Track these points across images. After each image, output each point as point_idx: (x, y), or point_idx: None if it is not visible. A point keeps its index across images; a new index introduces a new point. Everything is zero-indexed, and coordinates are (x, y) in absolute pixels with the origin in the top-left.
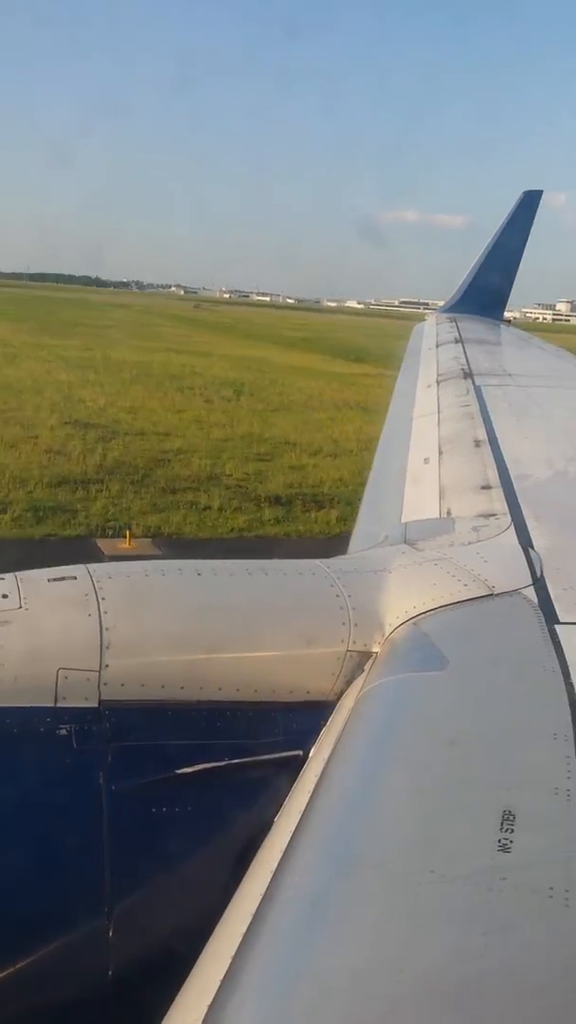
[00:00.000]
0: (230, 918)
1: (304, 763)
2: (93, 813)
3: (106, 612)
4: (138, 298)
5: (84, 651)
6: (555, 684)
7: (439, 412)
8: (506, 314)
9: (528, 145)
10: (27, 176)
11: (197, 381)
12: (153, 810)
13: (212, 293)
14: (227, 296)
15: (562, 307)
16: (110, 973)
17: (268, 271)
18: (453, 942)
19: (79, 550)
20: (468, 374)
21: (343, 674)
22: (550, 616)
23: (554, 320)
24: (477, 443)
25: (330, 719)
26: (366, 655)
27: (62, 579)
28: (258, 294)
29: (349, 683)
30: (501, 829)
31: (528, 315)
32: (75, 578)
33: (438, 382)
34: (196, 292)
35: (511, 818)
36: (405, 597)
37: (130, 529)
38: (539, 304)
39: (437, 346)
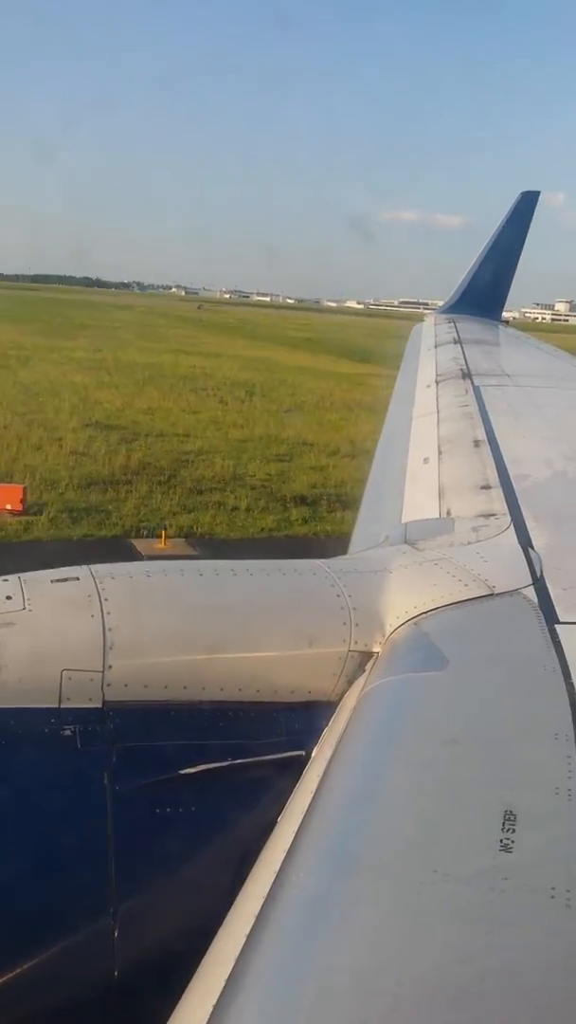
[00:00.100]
0: (234, 918)
1: (306, 763)
2: (97, 814)
3: (109, 613)
4: (140, 299)
5: (87, 652)
6: (555, 684)
7: (438, 412)
8: (505, 314)
9: (527, 145)
10: (26, 178)
11: (209, 382)
12: (157, 811)
13: (212, 294)
14: (228, 297)
15: (560, 307)
16: (115, 974)
17: (268, 272)
18: (455, 942)
19: (117, 550)
20: (467, 374)
21: (344, 674)
22: (550, 616)
23: (553, 320)
24: (476, 443)
25: (332, 719)
26: (367, 655)
27: (65, 580)
28: (258, 295)
29: (350, 683)
30: (503, 829)
31: (527, 315)
32: (78, 579)
33: (437, 382)
34: (196, 293)
35: (512, 818)
36: (406, 597)
37: (165, 529)
38: (538, 304)
39: (436, 347)
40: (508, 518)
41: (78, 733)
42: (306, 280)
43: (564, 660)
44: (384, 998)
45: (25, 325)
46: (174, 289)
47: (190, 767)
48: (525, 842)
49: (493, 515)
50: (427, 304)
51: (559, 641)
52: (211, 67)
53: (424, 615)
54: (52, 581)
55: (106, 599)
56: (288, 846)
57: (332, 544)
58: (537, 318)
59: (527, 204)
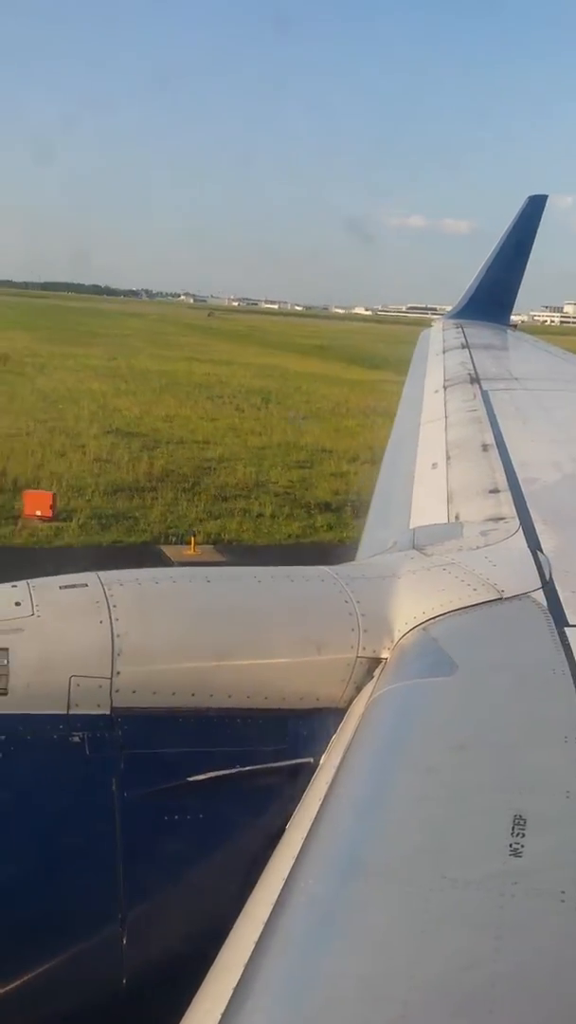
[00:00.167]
0: (242, 925)
1: (315, 770)
2: (106, 820)
3: (117, 619)
4: (149, 307)
5: (96, 658)
6: (565, 687)
7: (446, 417)
8: (513, 317)
9: (535, 148)
10: (37, 186)
11: (225, 390)
12: (165, 817)
13: (221, 301)
14: (236, 304)
15: (570, 309)
16: (124, 981)
17: (275, 279)
18: (465, 947)
19: (147, 556)
20: (475, 379)
21: (353, 680)
22: (559, 619)
23: (562, 323)
24: (485, 447)
25: (340, 726)
26: (376, 661)
27: (73, 587)
28: (267, 302)
29: (359, 689)
30: (512, 834)
31: (536, 318)
32: (86, 585)
33: (445, 387)
34: (205, 300)
35: (522, 822)
36: (414, 603)
37: (194, 536)
38: (546, 307)
39: (444, 352)
40: (517, 522)
41: (86, 739)
42: (314, 287)
43: (574, 664)
44: (394, 1004)
45: (38, 332)
46: (182, 297)
47: (198, 774)
48: (535, 846)
49: (502, 519)
50: (435, 310)
51: (568, 645)
52: (216, 71)
53: (433, 620)
54: (61, 588)
55: (114, 606)
56: (297, 853)
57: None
58: (546, 321)
59: (535, 208)
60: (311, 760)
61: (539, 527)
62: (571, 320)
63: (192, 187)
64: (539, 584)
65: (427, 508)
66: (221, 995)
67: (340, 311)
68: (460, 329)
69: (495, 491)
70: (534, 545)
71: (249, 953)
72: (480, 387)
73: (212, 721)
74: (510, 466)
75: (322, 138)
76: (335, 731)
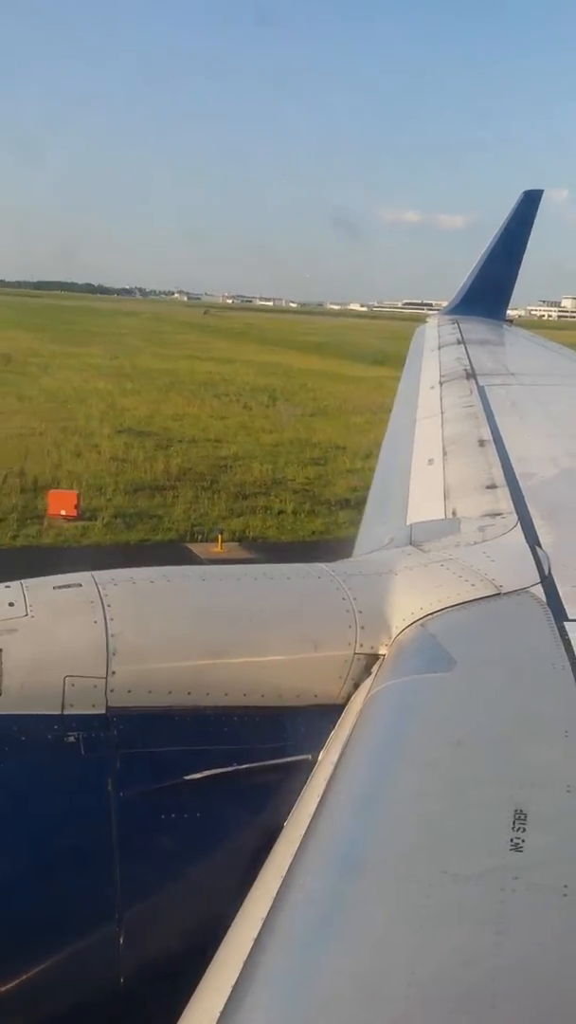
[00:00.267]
0: (241, 923)
1: (313, 767)
2: (102, 820)
3: (112, 619)
4: (143, 305)
5: (91, 658)
6: (565, 681)
7: (442, 413)
8: (511, 312)
9: (530, 142)
10: (27, 185)
11: (230, 388)
12: (162, 817)
13: (215, 299)
14: (230, 301)
15: (567, 303)
16: (121, 980)
17: (269, 275)
18: (465, 943)
19: (174, 554)
20: (471, 374)
21: (350, 677)
22: (559, 614)
23: (559, 317)
24: (481, 443)
25: (338, 722)
26: (373, 657)
27: (67, 586)
28: (261, 299)
29: (357, 686)
30: (513, 828)
31: (533, 312)
32: (80, 585)
33: (441, 383)
34: (199, 298)
35: (523, 817)
36: (412, 599)
37: (221, 533)
38: (544, 301)
39: (439, 347)
40: (515, 517)
41: (81, 739)
42: (308, 283)
43: (573, 658)
44: (393, 1001)
45: (37, 332)
46: (176, 295)
47: (195, 773)
48: (535, 841)
49: (499, 514)
50: (431, 305)
51: (568, 639)
52: (209, 68)
53: (430, 616)
54: (54, 588)
55: (109, 605)
56: (295, 850)
57: None
58: (544, 315)
59: (530, 203)
60: (309, 757)
61: (537, 522)
62: (568, 314)
63: (185, 184)
64: (538, 579)
65: (424, 504)
66: (220, 993)
67: (335, 307)
68: (456, 325)
69: (492, 487)
70: (532, 540)
71: (248, 951)
72: (476, 382)
73: (209, 719)
74: (507, 461)
75: (316, 134)
76: (333, 728)
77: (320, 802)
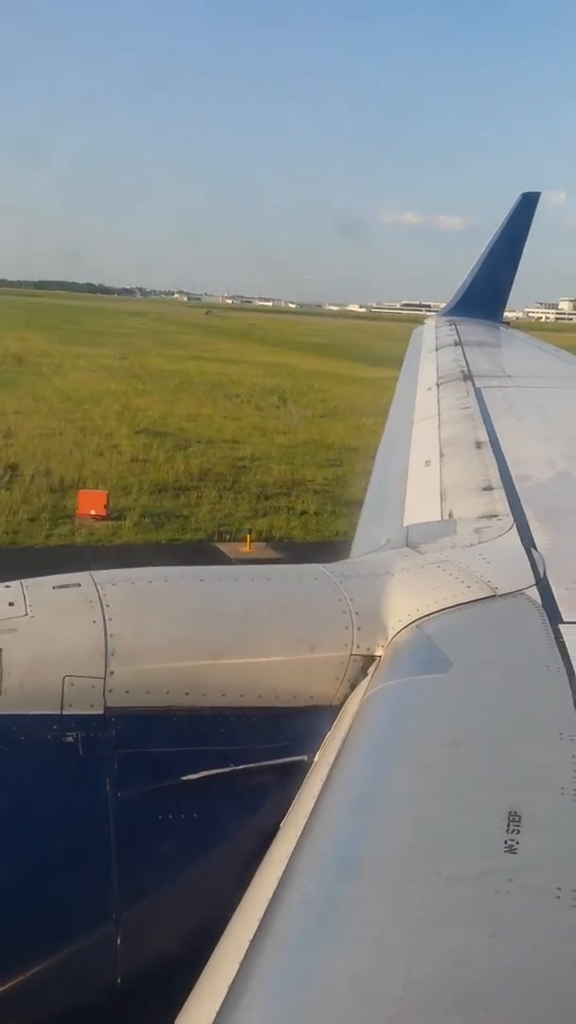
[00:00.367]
0: (237, 924)
1: (309, 768)
2: (100, 820)
3: (111, 619)
4: (145, 305)
5: (89, 658)
6: (560, 684)
7: (439, 415)
8: (508, 314)
9: (528, 145)
10: (28, 186)
11: (240, 389)
12: (159, 817)
13: (214, 299)
14: (230, 302)
15: (564, 305)
16: (118, 981)
17: (268, 276)
18: (460, 944)
19: (205, 554)
20: (468, 376)
21: (347, 678)
22: (554, 616)
23: (557, 319)
24: (478, 445)
25: (334, 723)
26: (369, 659)
27: (66, 586)
28: (260, 299)
29: (353, 687)
30: (507, 830)
31: (531, 314)
32: (79, 585)
33: (438, 385)
34: (199, 298)
35: (517, 819)
36: (408, 600)
37: (250, 533)
38: (541, 303)
39: (436, 349)
40: (511, 519)
41: (80, 739)
42: (307, 284)
43: (568, 660)
44: (389, 1002)
45: (44, 333)
46: (176, 295)
47: (192, 773)
48: (530, 843)
49: (495, 516)
50: (429, 306)
51: (563, 641)
52: (209, 69)
53: (426, 618)
54: (54, 587)
55: (108, 605)
56: (292, 850)
57: None
58: (541, 317)
59: (527, 205)
60: (305, 758)
61: (533, 524)
62: (566, 316)
63: (185, 185)
64: (533, 581)
65: (420, 505)
66: (216, 993)
67: (334, 308)
68: (453, 326)
69: (488, 488)
70: (528, 542)
71: (244, 951)
72: (473, 384)
73: (206, 720)
74: (504, 463)
75: (315, 136)
76: (329, 729)
77: (316, 803)
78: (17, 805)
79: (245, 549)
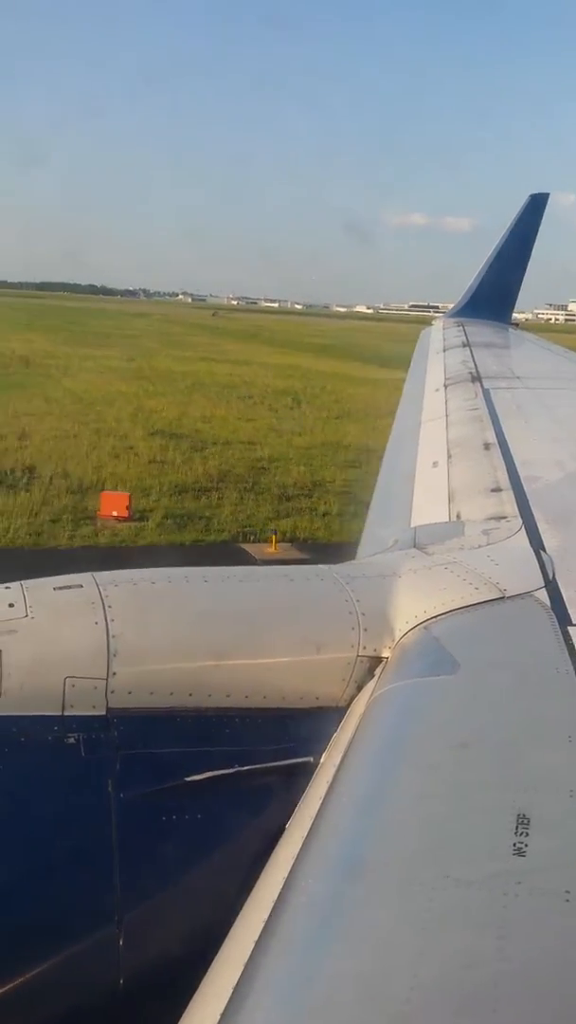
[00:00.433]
0: (242, 925)
1: (315, 770)
2: (102, 822)
3: (113, 620)
4: (149, 306)
5: (91, 659)
6: (569, 686)
7: (447, 416)
8: (517, 315)
9: (537, 146)
10: (29, 186)
11: (252, 390)
12: (162, 818)
13: (219, 300)
14: (235, 303)
15: (574, 307)
16: (120, 982)
17: (274, 277)
18: (468, 947)
19: (231, 555)
20: (476, 377)
21: (353, 679)
22: (563, 618)
23: (566, 320)
24: (486, 446)
25: (341, 725)
26: (376, 660)
27: (68, 587)
28: (266, 300)
29: (359, 688)
30: (516, 833)
31: (540, 316)
32: (81, 586)
33: (446, 386)
34: (203, 299)
35: (526, 822)
36: (415, 602)
37: (275, 534)
38: (550, 305)
39: (444, 350)
40: (519, 521)
41: (82, 741)
42: (313, 285)
43: None
44: (395, 1004)
45: (49, 334)
46: (180, 296)
47: (196, 774)
48: (538, 846)
49: (504, 518)
50: (437, 308)
51: (572, 643)
52: (213, 69)
53: (434, 619)
54: (55, 589)
55: (110, 606)
56: (297, 852)
57: None
58: (550, 319)
59: (536, 206)
60: (311, 759)
61: (541, 526)
62: (575, 318)
63: (189, 185)
64: (542, 583)
65: (428, 507)
66: (220, 995)
67: (341, 309)
68: (461, 327)
69: (497, 490)
70: (536, 544)
71: (249, 953)
72: (481, 385)
73: (210, 721)
74: (512, 465)
75: (322, 137)
76: (335, 730)
77: (322, 805)
78: (19, 807)
79: (270, 550)
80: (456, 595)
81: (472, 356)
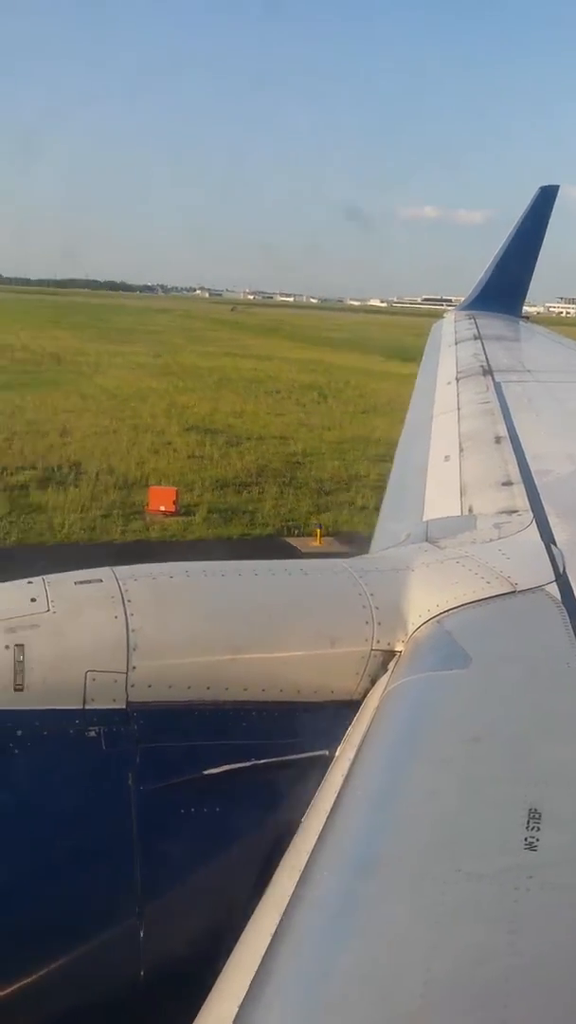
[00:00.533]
0: (259, 918)
1: (330, 763)
2: (122, 814)
3: (132, 614)
4: (168, 302)
5: (111, 653)
6: None
7: (459, 409)
8: (529, 309)
9: (550, 138)
10: (47, 185)
11: (278, 385)
12: (181, 811)
13: (236, 294)
14: (251, 297)
15: None
16: (141, 974)
17: (289, 271)
18: (480, 941)
19: (278, 548)
20: (487, 371)
21: (367, 673)
22: (574, 612)
23: None
24: (498, 439)
25: (355, 718)
26: (390, 654)
27: (88, 582)
28: (281, 295)
29: (373, 682)
30: (528, 827)
31: (552, 309)
32: (101, 580)
33: (457, 379)
34: (220, 294)
35: (538, 816)
36: (428, 595)
37: (320, 528)
38: (563, 298)
39: (456, 343)
40: (530, 514)
41: (102, 734)
42: (328, 279)
43: None
44: (409, 998)
45: (75, 331)
46: (198, 291)
47: (214, 767)
48: (550, 840)
49: (515, 512)
50: (450, 301)
51: None
52: (228, 63)
53: (446, 613)
54: (76, 583)
55: (129, 600)
56: (312, 846)
57: None
58: (562, 312)
59: (546, 198)
60: (326, 753)
61: (553, 520)
62: None
63: (205, 181)
64: (553, 577)
65: (440, 501)
66: (238, 989)
67: (355, 303)
68: (472, 320)
69: (508, 484)
70: (548, 538)
71: (265, 947)
72: (493, 379)
73: (227, 714)
74: (523, 458)
75: (335, 131)
76: (350, 724)
77: (336, 798)
78: (42, 800)
79: (315, 543)
80: (468, 589)
81: (483, 349)
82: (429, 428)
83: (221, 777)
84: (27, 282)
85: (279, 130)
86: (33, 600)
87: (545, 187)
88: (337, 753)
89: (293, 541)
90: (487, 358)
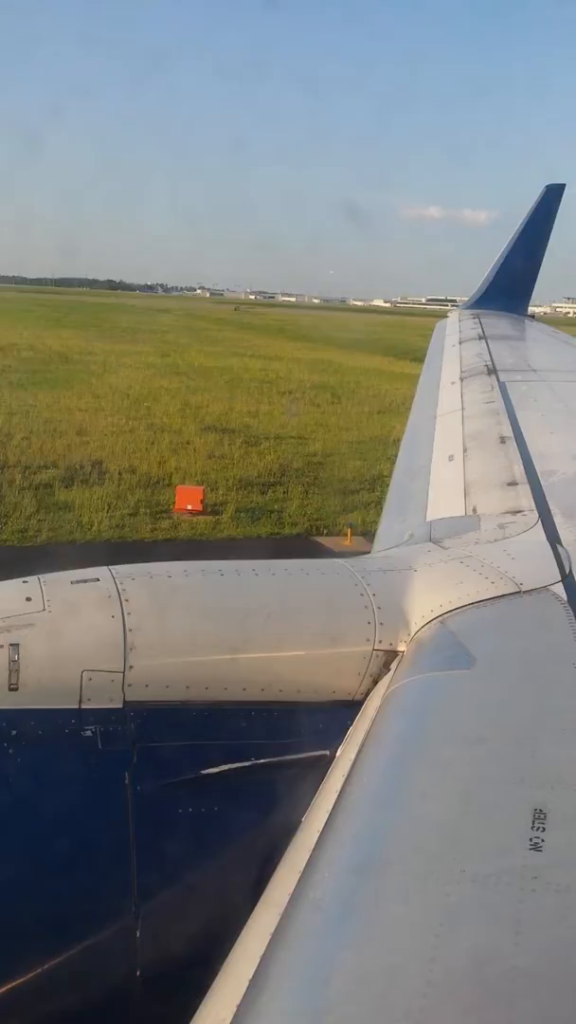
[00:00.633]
0: (258, 918)
1: (331, 763)
2: (119, 814)
3: (129, 614)
4: (169, 301)
5: (108, 653)
6: None
7: (463, 409)
8: (536, 308)
9: (555, 137)
10: (47, 183)
11: (289, 385)
12: (179, 810)
13: (237, 294)
14: (253, 297)
15: None
16: (138, 973)
17: (291, 271)
18: (483, 942)
19: (307, 548)
20: (492, 370)
21: (369, 673)
22: None
23: None
24: (502, 439)
25: (356, 718)
26: (392, 654)
27: (85, 581)
28: (283, 295)
29: (375, 682)
30: (532, 828)
31: (558, 309)
32: (98, 580)
33: (462, 379)
34: (221, 294)
35: (542, 817)
36: (431, 596)
37: (351, 527)
38: (569, 298)
39: (460, 342)
40: (535, 514)
41: (99, 733)
42: (331, 279)
43: None
44: (411, 998)
45: (80, 331)
46: (199, 291)
47: (212, 767)
48: (555, 841)
49: (520, 512)
50: (455, 301)
51: None
52: (233, 60)
53: (450, 613)
54: (72, 582)
55: (126, 600)
56: (313, 846)
57: None
58: (569, 312)
59: (552, 197)
60: (327, 753)
61: (558, 520)
62: None
63: (205, 180)
64: (558, 577)
65: (444, 500)
66: (236, 988)
67: (359, 303)
68: (477, 319)
69: (513, 483)
70: (553, 538)
71: (264, 946)
72: (497, 378)
73: (226, 714)
74: (528, 458)
75: (339, 130)
76: (351, 724)
77: (337, 798)
78: (36, 799)
79: (346, 543)
80: (472, 589)
81: (488, 349)
82: (433, 428)
83: (219, 777)
84: (23, 281)
85: (281, 129)
86: (28, 599)
87: (551, 185)
88: (338, 753)
89: (323, 540)
90: (492, 357)
